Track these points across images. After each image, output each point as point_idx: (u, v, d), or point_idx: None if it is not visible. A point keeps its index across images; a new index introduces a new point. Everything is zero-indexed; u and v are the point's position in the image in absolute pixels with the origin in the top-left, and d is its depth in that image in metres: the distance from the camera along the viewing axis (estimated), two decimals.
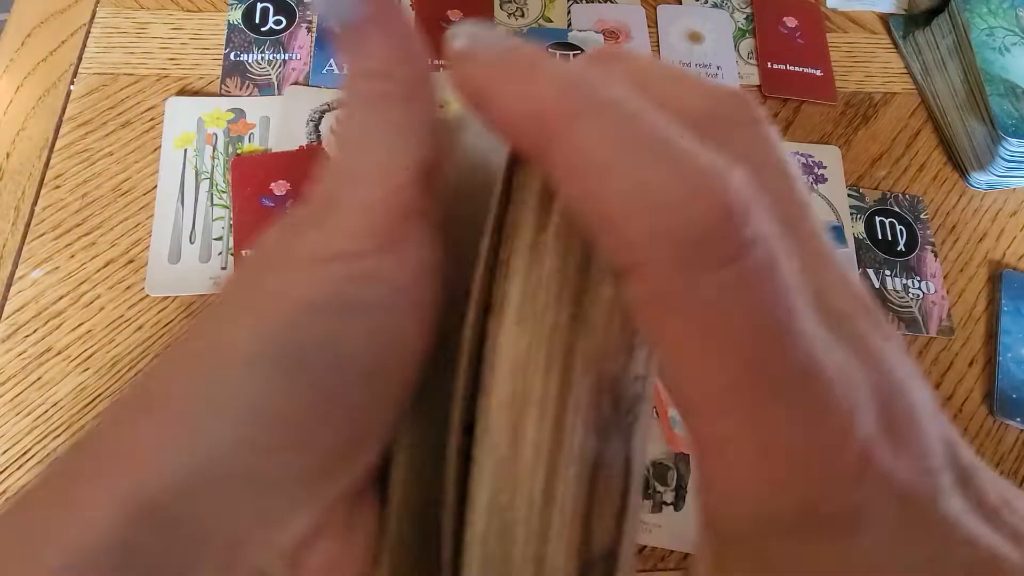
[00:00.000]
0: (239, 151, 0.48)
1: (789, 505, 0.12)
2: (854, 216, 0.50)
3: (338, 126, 0.16)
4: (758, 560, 0.13)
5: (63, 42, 0.51)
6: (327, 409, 0.14)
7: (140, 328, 0.42)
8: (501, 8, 0.56)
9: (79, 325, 0.42)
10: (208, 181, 0.47)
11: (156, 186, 0.46)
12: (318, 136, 0.49)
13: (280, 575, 0.16)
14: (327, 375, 0.14)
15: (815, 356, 0.12)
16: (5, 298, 0.42)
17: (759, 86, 0.55)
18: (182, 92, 0.50)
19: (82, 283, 0.43)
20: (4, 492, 0.38)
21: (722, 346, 0.12)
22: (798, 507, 0.12)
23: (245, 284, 0.16)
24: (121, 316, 0.42)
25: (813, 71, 0.56)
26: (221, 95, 0.50)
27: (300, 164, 0.47)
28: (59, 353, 0.41)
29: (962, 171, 0.53)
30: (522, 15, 0.56)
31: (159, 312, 0.43)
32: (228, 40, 0.52)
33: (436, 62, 0.18)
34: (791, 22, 0.58)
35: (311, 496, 0.15)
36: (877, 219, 0.50)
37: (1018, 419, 0.44)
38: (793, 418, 0.12)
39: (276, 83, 0.50)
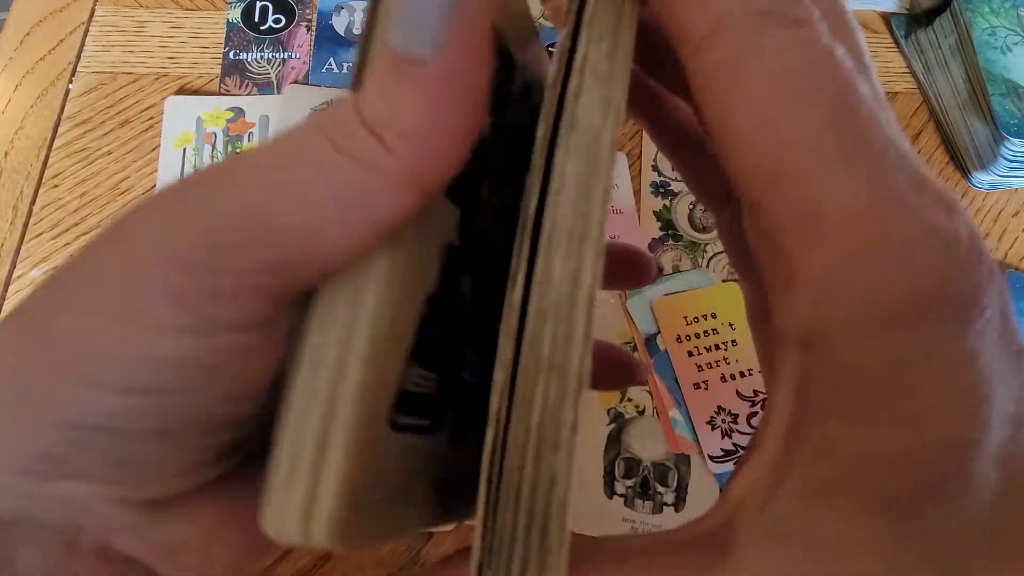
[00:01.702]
0: (238, 150, 0.47)
1: (901, 289, 0.11)
2: None
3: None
4: (857, 365, 0.12)
5: (61, 41, 0.51)
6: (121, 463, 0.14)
7: None
8: None
9: None
10: None
11: (155, 185, 0.46)
12: None
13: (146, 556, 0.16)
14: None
15: (894, 134, 0.12)
16: (3, 297, 0.42)
17: None
18: (181, 91, 0.49)
19: None
20: None
21: (802, 101, 0.12)
22: (913, 291, 0.11)
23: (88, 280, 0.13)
24: None
25: None
26: (220, 94, 0.49)
27: None
28: None
29: (964, 171, 0.52)
30: None
31: None
32: (227, 39, 0.51)
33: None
34: None
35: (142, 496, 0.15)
36: None
37: None
38: (892, 182, 0.11)
39: (275, 82, 0.50)
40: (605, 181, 0.13)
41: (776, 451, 0.13)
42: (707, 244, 0.47)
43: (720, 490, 0.40)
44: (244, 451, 0.16)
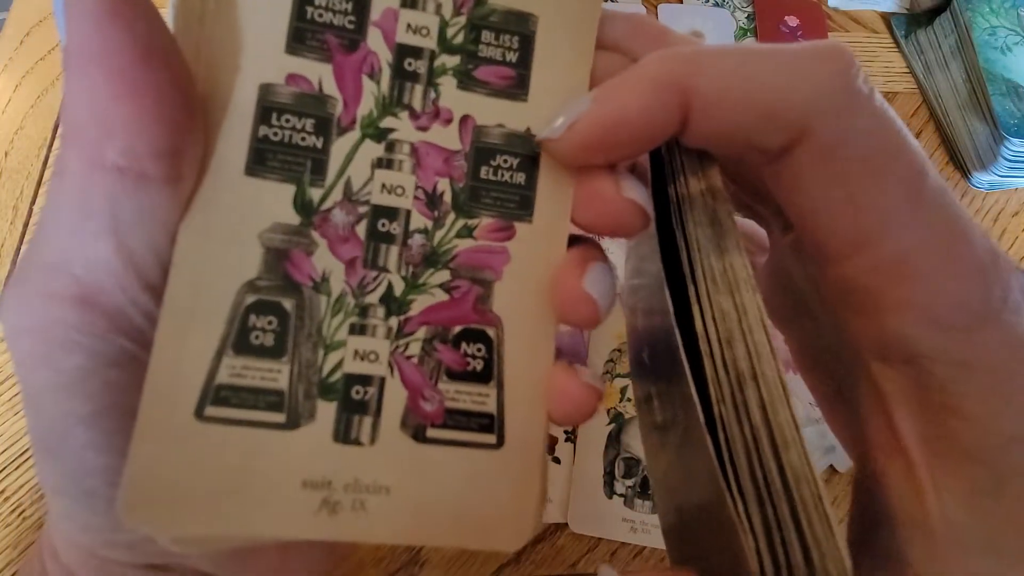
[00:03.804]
0: None
1: (977, 297, 0.14)
2: None
3: None
4: (963, 363, 0.14)
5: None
6: None
7: None
8: None
9: None
10: None
11: None
12: None
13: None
14: None
15: (943, 181, 0.15)
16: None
17: None
18: None
19: None
20: (3, 491, 0.38)
21: (883, 176, 0.14)
22: (984, 297, 0.14)
23: None
24: None
25: None
26: None
27: None
28: None
29: (964, 171, 0.52)
30: None
31: None
32: None
33: None
34: (792, 21, 0.58)
35: None
36: None
37: None
38: (954, 219, 0.14)
39: None
40: (734, 235, 0.16)
41: (922, 467, 0.15)
42: None
43: None
44: None
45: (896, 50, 0.58)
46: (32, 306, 0.14)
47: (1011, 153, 0.49)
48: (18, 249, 0.44)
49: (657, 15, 0.57)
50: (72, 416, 0.14)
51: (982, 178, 0.51)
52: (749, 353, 0.15)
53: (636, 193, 0.16)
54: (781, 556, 0.13)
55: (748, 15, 0.58)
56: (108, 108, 0.13)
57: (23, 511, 0.37)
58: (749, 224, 0.22)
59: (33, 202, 0.45)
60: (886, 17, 0.59)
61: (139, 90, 0.13)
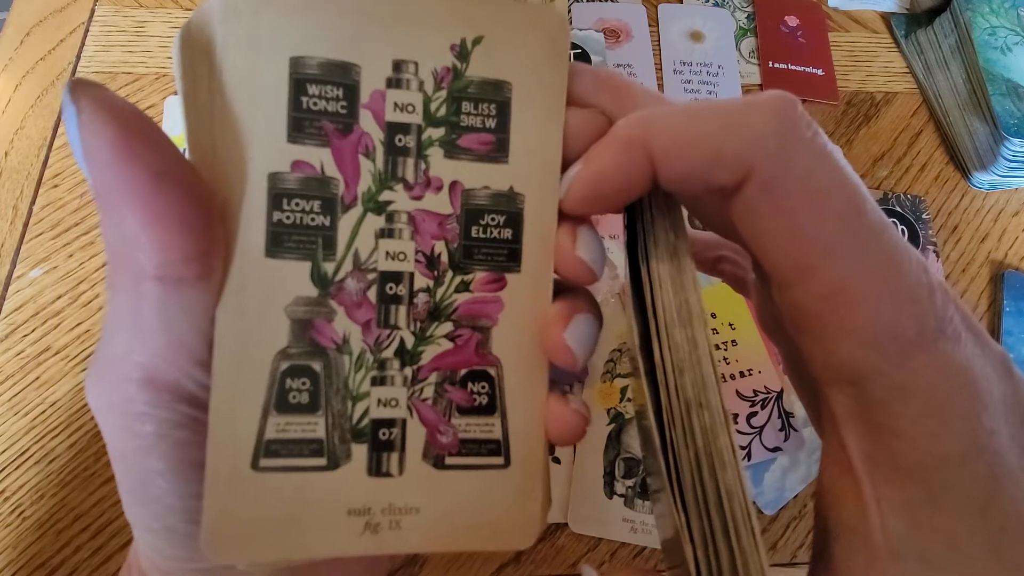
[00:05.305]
0: None
1: (912, 327, 0.15)
2: None
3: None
4: (897, 378, 0.15)
5: (62, 41, 0.51)
6: None
7: None
8: None
9: (77, 325, 0.42)
10: None
11: None
12: None
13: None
14: None
15: (884, 216, 0.16)
16: (3, 297, 0.42)
17: (760, 85, 0.55)
18: None
19: (80, 282, 0.43)
20: (3, 491, 0.38)
21: (822, 210, 0.16)
22: (919, 326, 0.15)
23: None
24: None
25: (814, 70, 0.55)
26: None
27: None
28: (57, 353, 0.41)
29: (964, 171, 0.52)
30: None
31: None
32: None
33: None
34: (792, 21, 0.58)
35: None
36: None
37: None
38: (891, 252, 0.15)
39: None
40: (691, 272, 0.17)
41: (866, 482, 0.16)
42: None
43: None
44: None
45: (896, 50, 0.58)
46: (109, 389, 0.17)
47: (1011, 153, 0.49)
48: (18, 249, 0.44)
49: (657, 15, 0.57)
50: (152, 471, 0.17)
51: (982, 178, 0.51)
52: (696, 383, 0.16)
53: (587, 253, 0.19)
54: (713, 562, 0.15)
55: (748, 15, 0.58)
56: (138, 234, 0.15)
57: (23, 511, 0.37)
58: (739, 247, 0.23)
59: (33, 202, 0.45)
60: (886, 17, 0.59)
61: (161, 214, 0.15)
